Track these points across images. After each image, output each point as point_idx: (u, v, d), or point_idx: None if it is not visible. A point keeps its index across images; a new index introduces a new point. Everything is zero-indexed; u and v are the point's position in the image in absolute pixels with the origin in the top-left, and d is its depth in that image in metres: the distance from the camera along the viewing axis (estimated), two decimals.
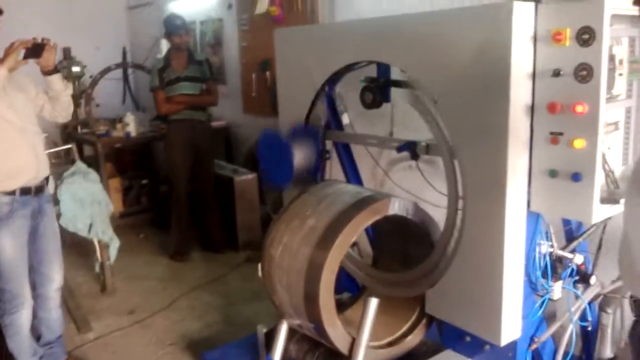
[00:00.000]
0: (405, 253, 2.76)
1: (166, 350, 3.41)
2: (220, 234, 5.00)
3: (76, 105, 6.46)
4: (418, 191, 3.05)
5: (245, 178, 4.97)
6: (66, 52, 7.02)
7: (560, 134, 1.91)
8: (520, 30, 1.89)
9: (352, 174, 3.12)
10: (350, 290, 3.14)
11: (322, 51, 2.70)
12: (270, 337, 2.74)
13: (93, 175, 4.08)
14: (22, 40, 2.69)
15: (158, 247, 5.20)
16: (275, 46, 3.02)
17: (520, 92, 1.94)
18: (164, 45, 5.75)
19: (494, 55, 1.93)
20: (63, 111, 2.99)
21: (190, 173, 4.83)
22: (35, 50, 2.73)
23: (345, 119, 4.02)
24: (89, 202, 3.92)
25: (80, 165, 4.16)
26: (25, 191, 2.74)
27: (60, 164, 4.79)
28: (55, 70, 2.88)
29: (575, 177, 1.89)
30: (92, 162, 5.63)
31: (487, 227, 2.09)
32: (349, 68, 2.64)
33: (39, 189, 2.83)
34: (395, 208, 2.41)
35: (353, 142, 2.95)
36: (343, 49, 2.58)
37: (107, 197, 4.11)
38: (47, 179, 2.94)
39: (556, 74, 1.87)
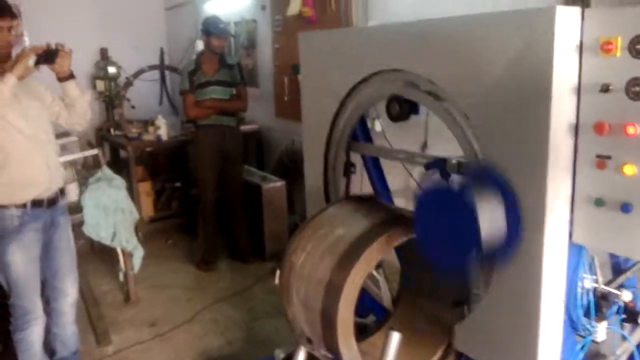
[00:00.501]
0: (435, 280, 2.54)
1: None
2: (247, 242, 4.88)
3: (112, 106, 6.51)
4: None
5: (274, 186, 4.82)
6: (103, 52, 7.08)
7: (608, 157, 1.66)
8: (564, 39, 1.65)
9: (382, 190, 2.93)
10: (375, 313, 2.94)
11: (346, 58, 2.51)
12: None
13: (118, 181, 4.01)
14: (33, 46, 2.60)
15: (185, 254, 5.11)
16: (299, 51, 2.84)
17: (562, 109, 1.70)
18: (199, 47, 5.67)
19: (534, 67, 1.70)
20: (80, 118, 2.89)
21: (218, 179, 4.72)
22: (48, 56, 2.63)
23: (378, 127, 3.84)
24: (112, 210, 3.85)
25: (106, 171, 4.09)
26: (36, 204, 2.65)
27: (89, 168, 4.75)
28: (70, 76, 2.78)
29: (625, 207, 1.64)
30: (125, 165, 5.64)
31: (523, 258, 1.86)
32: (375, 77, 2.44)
33: (52, 201, 2.74)
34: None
35: (378, 155, 2.75)
36: (368, 57, 2.38)
37: (132, 204, 4.03)
38: (61, 190, 2.84)
39: (605, 89, 1.62)
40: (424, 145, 4.09)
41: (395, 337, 2.13)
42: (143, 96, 6.88)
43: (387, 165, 2.89)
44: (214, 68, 4.65)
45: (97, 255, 4.82)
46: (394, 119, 2.40)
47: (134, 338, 3.66)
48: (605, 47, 1.61)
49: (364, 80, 2.44)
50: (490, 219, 1.73)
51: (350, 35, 2.74)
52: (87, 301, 4.18)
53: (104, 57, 7.07)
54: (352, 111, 2.59)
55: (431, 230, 1.89)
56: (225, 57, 4.80)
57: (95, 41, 7.01)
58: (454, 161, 2.20)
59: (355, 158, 2.86)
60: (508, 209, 1.76)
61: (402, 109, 2.35)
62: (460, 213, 1.75)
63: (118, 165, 5.82)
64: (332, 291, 2.10)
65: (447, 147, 2.30)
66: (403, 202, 4.49)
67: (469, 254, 1.80)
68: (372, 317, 3.02)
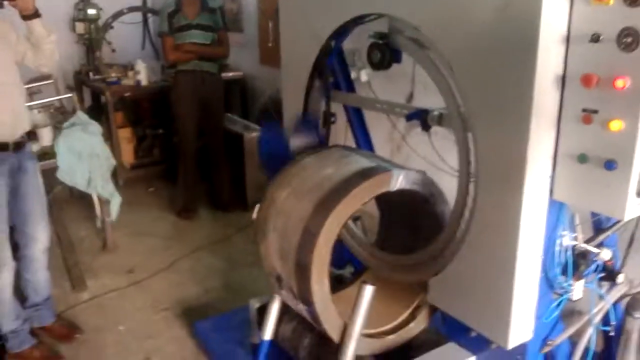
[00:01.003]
0: (413, 233, 2.50)
1: (160, 316, 3.27)
2: (228, 192, 4.81)
3: (92, 50, 6.26)
4: (438, 158, 2.77)
5: (256, 135, 4.70)
6: None
7: (595, 112, 1.59)
8: None
9: (363, 140, 2.85)
10: (353, 264, 2.91)
11: (327, 1, 2.38)
12: (263, 313, 2.56)
13: (94, 127, 3.88)
14: None
15: (166, 202, 5.03)
16: None
17: (549, 59, 1.61)
18: None
19: (521, 12, 1.60)
20: (46, 60, 2.75)
21: (198, 127, 4.60)
22: None
23: (364, 77, 3.73)
24: (87, 155, 3.74)
25: (81, 115, 3.96)
26: (1, 147, 2.54)
27: (66, 112, 4.60)
28: (35, 15, 2.62)
29: (609, 164, 1.57)
30: (103, 111, 5.48)
31: (501, 214, 1.81)
32: (359, 21, 2.31)
33: (18, 145, 2.63)
34: (399, 182, 2.13)
35: (359, 105, 2.65)
36: None
37: (107, 150, 3.92)
38: (29, 134, 2.73)
39: (595, 39, 1.53)
40: (410, 97, 3.99)
41: (369, 291, 2.10)
42: (125, 39, 6.60)
43: (370, 117, 2.80)
44: (195, 11, 4.46)
45: (76, 201, 4.73)
46: (375, 66, 2.30)
47: (110, 284, 3.62)
48: None
49: (346, 25, 2.32)
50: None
51: None
52: (64, 247, 4.12)
53: None
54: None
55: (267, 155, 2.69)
56: (207, 0, 4.59)
57: None
58: (435, 112, 2.12)
59: (338, 108, 2.78)
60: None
61: (383, 57, 2.24)
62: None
63: (99, 110, 5.64)
64: (308, 234, 2.05)
65: (433, 99, 2.22)
66: (387, 153, 4.44)
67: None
68: (349, 269, 3.00)
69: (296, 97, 2.65)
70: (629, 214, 1.60)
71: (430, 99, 2.25)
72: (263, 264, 2.35)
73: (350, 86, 2.74)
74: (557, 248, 1.87)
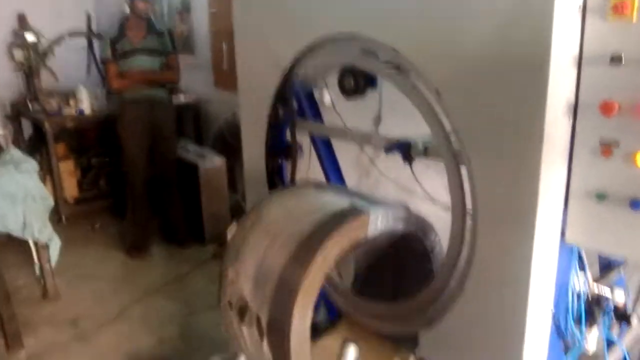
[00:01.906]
0: (398, 276, 2.23)
1: None
2: (183, 225, 4.47)
3: (32, 77, 5.81)
4: (413, 183, 2.53)
5: (213, 164, 4.40)
6: (21, 18, 6.32)
7: (616, 144, 1.37)
8: None
9: (332, 172, 2.59)
10: (326, 306, 2.63)
11: (289, 20, 2.12)
12: None
13: (28, 165, 3.49)
14: None
15: (114, 239, 4.64)
16: (233, 11, 2.42)
17: (560, 85, 1.39)
18: (127, 11, 5.09)
19: (526, 32, 1.37)
20: None
21: (148, 158, 4.25)
22: None
23: (327, 99, 3.47)
24: (21, 198, 3.33)
25: (14, 153, 3.57)
26: None
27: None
28: None
29: (635, 204, 1.36)
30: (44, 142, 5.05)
31: (505, 260, 1.57)
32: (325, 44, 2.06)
33: None
34: (379, 225, 1.86)
35: (329, 135, 2.39)
36: (316, 18, 2.00)
37: (44, 190, 3.53)
38: None
39: (615, 60, 1.32)
40: (378, 120, 3.77)
41: (352, 352, 1.82)
42: (68, 66, 6.18)
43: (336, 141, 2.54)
44: (141, 35, 4.14)
45: (14, 245, 4.25)
46: (347, 94, 2.05)
47: (51, 339, 3.22)
48: (618, 8, 1.30)
49: (311, 48, 2.06)
50: None
51: None
52: None
53: (22, 23, 6.32)
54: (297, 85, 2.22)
55: None
56: (154, 23, 4.27)
57: (11, 6, 6.26)
58: (420, 146, 1.88)
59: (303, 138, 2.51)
60: None
61: (357, 83, 1.99)
62: None
63: (40, 142, 5.20)
64: (298, 263, 1.74)
65: (405, 123, 1.99)
66: (355, 180, 4.17)
67: None
68: (323, 312, 2.72)
69: (257, 129, 2.37)
70: None
71: (401, 122, 2.02)
72: (223, 291, 1.99)
73: (316, 113, 2.48)
74: (569, 296, 1.64)
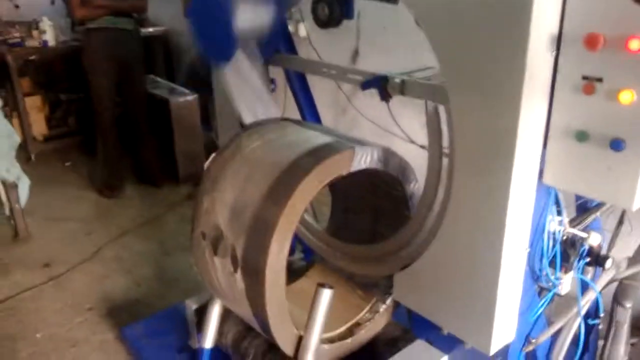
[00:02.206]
0: (374, 218, 2.19)
1: (83, 317, 2.86)
2: (156, 164, 4.35)
3: None
4: (391, 123, 2.44)
5: (185, 100, 4.25)
6: None
7: (599, 80, 1.29)
8: None
9: (308, 108, 2.49)
10: (303, 248, 2.60)
11: None
12: (202, 314, 2.21)
13: None
14: None
15: (86, 178, 4.52)
16: None
17: (544, 15, 1.29)
18: None
19: None
20: None
21: (116, 93, 4.08)
22: None
23: (302, 31, 3.32)
24: None
25: None
26: None
27: None
28: None
29: (616, 144, 1.29)
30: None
31: (482, 201, 1.51)
32: None
33: None
34: (362, 162, 1.80)
35: (303, 70, 2.28)
36: None
37: (9, 127, 3.39)
38: None
39: None
40: (355, 54, 3.63)
41: (327, 295, 1.79)
42: None
43: (312, 78, 2.43)
44: None
45: None
46: (322, 24, 1.92)
47: (23, 282, 3.15)
48: None
49: None
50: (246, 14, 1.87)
51: None
52: None
53: None
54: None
55: (201, 29, 1.99)
56: None
57: None
58: (397, 79, 1.78)
59: (276, 72, 2.39)
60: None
61: (332, 12, 1.86)
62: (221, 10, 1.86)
63: (3, 76, 4.95)
64: (260, 232, 1.69)
65: (381, 57, 1.88)
66: (331, 117, 4.07)
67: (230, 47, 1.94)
68: (299, 254, 2.69)
69: None
70: (639, 203, 1.33)
71: (378, 56, 1.91)
72: (197, 221, 1.94)
73: (291, 48, 2.35)
74: (544, 239, 1.61)
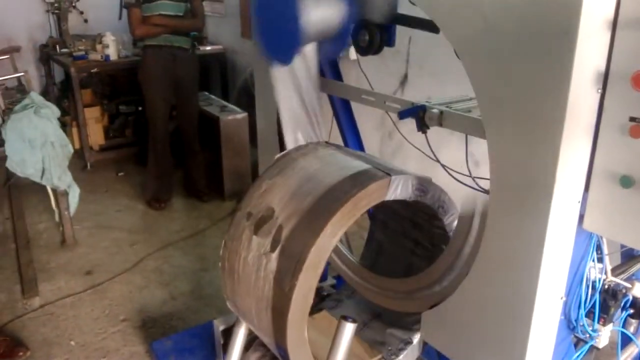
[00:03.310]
0: (412, 251, 2.12)
1: (117, 328, 2.89)
2: (203, 180, 4.41)
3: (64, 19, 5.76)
4: (436, 150, 2.37)
5: (234, 117, 4.29)
6: None
7: None
8: None
9: (350, 134, 2.47)
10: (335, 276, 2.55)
11: None
12: (229, 335, 2.19)
13: (48, 110, 3.45)
14: None
15: (137, 188, 4.63)
16: None
17: (589, 51, 1.21)
18: None
19: None
20: None
21: (170, 109, 4.18)
22: None
23: (353, 54, 3.30)
24: (40, 144, 3.31)
25: (34, 97, 3.53)
26: None
27: (24, 92, 4.15)
28: None
29: None
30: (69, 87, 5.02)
31: (516, 242, 1.43)
32: None
33: None
34: (398, 191, 1.75)
35: (342, 96, 2.25)
36: None
37: (64, 136, 3.50)
38: None
39: None
40: (404, 79, 3.59)
41: (349, 329, 1.73)
42: (101, 9, 6.07)
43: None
44: None
45: (40, 188, 4.29)
46: (362, 51, 1.89)
47: (65, 289, 3.24)
48: None
49: None
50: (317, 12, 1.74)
51: None
52: (19, 242, 3.73)
53: None
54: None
55: (265, 25, 1.89)
56: None
57: None
58: (434, 110, 1.72)
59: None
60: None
61: (372, 39, 1.83)
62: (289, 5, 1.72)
63: (69, 88, 5.17)
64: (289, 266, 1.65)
65: (430, 82, 1.82)
66: (377, 141, 4.02)
67: (295, 44, 1.81)
68: (330, 281, 2.64)
69: (270, 85, 2.24)
70: None
71: (427, 82, 1.85)
72: (246, 202, 1.89)
73: (336, 73, 2.33)
74: (583, 287, 1.50)
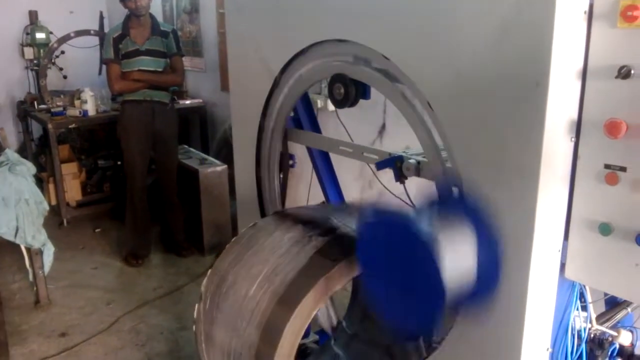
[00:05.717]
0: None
1: None
2: (182, 233, 4.34)
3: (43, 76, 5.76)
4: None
5: (214, 170, 4.27)
6: (32, 15, 6.31)
7: (623, 169, 1.20)
8: (568, 3, 1.17)
9: (330, 185, 2.45)
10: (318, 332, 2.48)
11: (281, 24, 1.98)
12: None
13: (23, 167, 3.39)
14: None
15: (114, 245, 4.54)
16: (225, 15, 2.30)
17: (561, 101, 1.22)
18: None
19: (524, 40, 1.22)
20: None
21: (148, 162, 4.15)
22: None
23: (330, 105, 3.33)
24: (14, 201, 3.24)
25: (9, 154, 3.48)
26: None
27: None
28: None
29: None
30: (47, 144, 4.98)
31: (500, 295, 1.40)
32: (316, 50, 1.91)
33: None
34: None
35: (317, 147, 2.25)
36: (308, 24, 1.86)
37: (39, 194, 3.43)
38: None
39: (624, 74, 1.15)
40: (382, 128, 3.62)
41: None
42: (80, 65, 6.13)
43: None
44: (145, 35, 4.03)
45: (14, 247, 4.17)
46: (338, 104, 1.90)
47: (37, 352, 3.11)
48: (627, 14, 1.13)
49: (302, 53, 1.92)
50: (457, 260, 1.22)
51: None
52: None
53: (32, 21, 6.30)
54: (289, 92, 2.08)
55: (382, 283, 1.37)
56: (159, 24, 4.17)
57: (23, 3, 6.26)
58: (411, 160, 1.72)
59: (297, 148, 2.37)
60: (485, 247, 1.25)
61: (347, 92, 1.84)
62: (423, 256, 1.19)
63: (47, 144, 5.12)
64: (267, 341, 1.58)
65: (408, 132, 1.82)
66: (357, 191, 4.00)
67: (439, 307, 1.24)
68: (313, 337, 2.56)
69: (248, 138, 2.24)
70: None
71: (405, 132, 1.85)
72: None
73: (313, 125, 2.33)
74: (568, 337, 1.47)
